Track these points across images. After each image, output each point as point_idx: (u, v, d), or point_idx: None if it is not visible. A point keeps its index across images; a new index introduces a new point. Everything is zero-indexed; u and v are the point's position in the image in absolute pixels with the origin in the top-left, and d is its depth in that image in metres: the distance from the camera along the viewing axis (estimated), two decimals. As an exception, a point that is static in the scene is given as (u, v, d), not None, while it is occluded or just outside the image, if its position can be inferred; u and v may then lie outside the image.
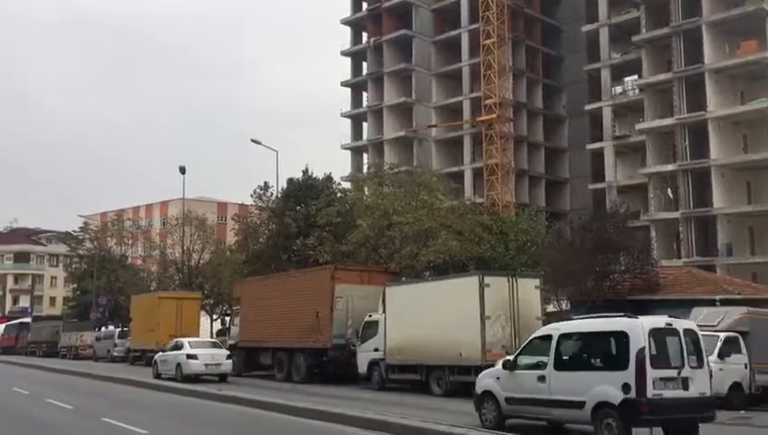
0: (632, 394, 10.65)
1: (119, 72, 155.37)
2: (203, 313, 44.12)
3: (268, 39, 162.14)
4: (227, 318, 40.93)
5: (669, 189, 50.59)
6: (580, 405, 11.28)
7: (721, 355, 18.27)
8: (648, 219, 48.48)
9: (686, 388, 10.98)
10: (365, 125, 69.32)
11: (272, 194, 38.57)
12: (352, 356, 24.06)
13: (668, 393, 10.79)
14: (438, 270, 31.20)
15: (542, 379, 12.06)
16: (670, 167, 48.95)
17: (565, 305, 31.19)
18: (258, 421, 15.23)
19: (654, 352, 10.91)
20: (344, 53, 70.70)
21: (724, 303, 23.37)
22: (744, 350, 18.74)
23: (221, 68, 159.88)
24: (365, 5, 69.47)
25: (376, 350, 22.94)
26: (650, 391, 10.61)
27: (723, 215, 45.94)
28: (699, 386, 11.18)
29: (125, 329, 42.89)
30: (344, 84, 70.41)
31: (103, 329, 49.13)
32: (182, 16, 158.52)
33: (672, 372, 10.97)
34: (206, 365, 25.00)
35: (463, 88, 63.47)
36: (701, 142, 47.30)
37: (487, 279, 19.92)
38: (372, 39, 67.29)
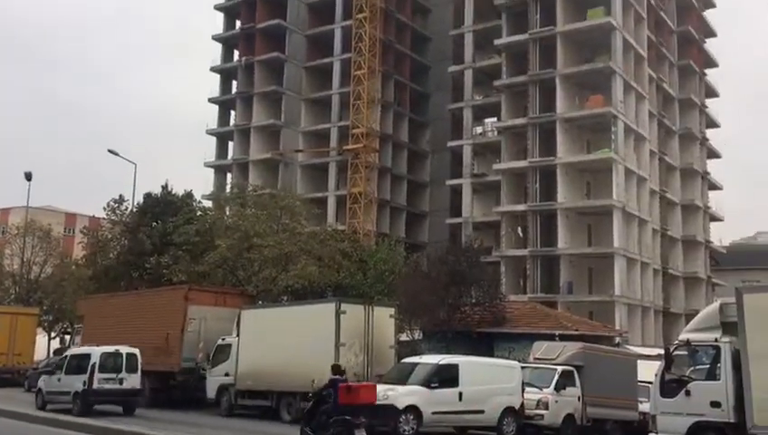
0: (87, 386, 20.41)
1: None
2: (40, 330, 41.34)
3: (134, 49, 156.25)
4: (67, 337, 38.53)
5: (519, 228, 53.39)
6: (69, 393, 20.87)
7: (557, 388, 19.35)
8: (498, 255, 50.83)
9: (121, 384, 20.90)
10: (231, 144, 68.16)
11: (127, 208, 37.05)
12: (201, 380, 23.37)
13: (108, 386, 20.69)
14: (296, 295, 31.11)
15: (59, 379, 21.58)
16: (522, 207, 51.68)
17: (418, 335, 32.00)
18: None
19: (103, 364, 20.79)
20: (214, 70, 69.42)
21: (563, 338, 24.88)
22: (578, 383, 19.96)
23: (84, 72, 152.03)
24: (238, 24, 68.78)
25: (227, 374, 22.44)
26: (96, 385, 20.50)
27: (565, 255, 49.02)
28: (131, 383, 21.12)
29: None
30: (212, 101, 69.01)
31: None
32: (48, 14, 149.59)
33: (113, 375, 20.83)
34: None
35: (332, 115, 64.11)
36: (550, 185, 50.37)
37: (344, 306, 20.11)
38: (244, 58, 66.56)
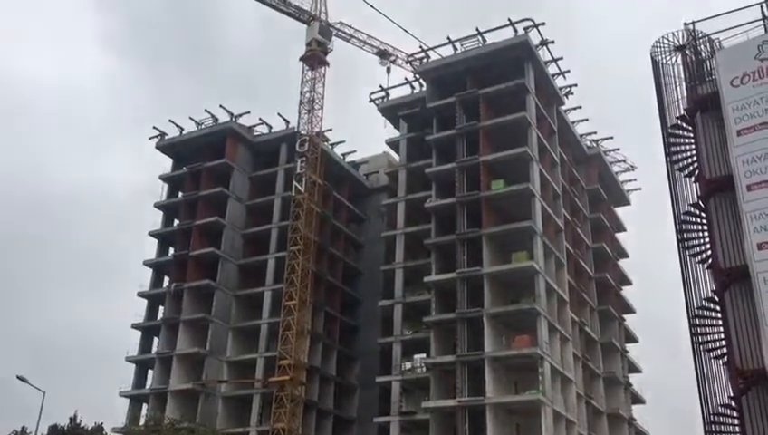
0: None
1: None
2: None
3: (53, 267, 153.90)
4: None
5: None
6: None
7: None
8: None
9: None
10: (150, 372, 65.13)
11: (27, 441, 34.01)
12: None
13: None
14: None
15: None
16: (452, 449, 49.79)
17: None
18: None
19: None
20: (141, 295, 68.36)
21: None
22: None
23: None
24: (171, 250, 69.27)
25: None
26: None
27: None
28: None
29: None
30: (135, 327, 67.07)
31: None
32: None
33: None
34: None
35: (259, 345, 62.88)
36: (480, 427, 48.99)
37: None
38: (174, 284, 66.10)
